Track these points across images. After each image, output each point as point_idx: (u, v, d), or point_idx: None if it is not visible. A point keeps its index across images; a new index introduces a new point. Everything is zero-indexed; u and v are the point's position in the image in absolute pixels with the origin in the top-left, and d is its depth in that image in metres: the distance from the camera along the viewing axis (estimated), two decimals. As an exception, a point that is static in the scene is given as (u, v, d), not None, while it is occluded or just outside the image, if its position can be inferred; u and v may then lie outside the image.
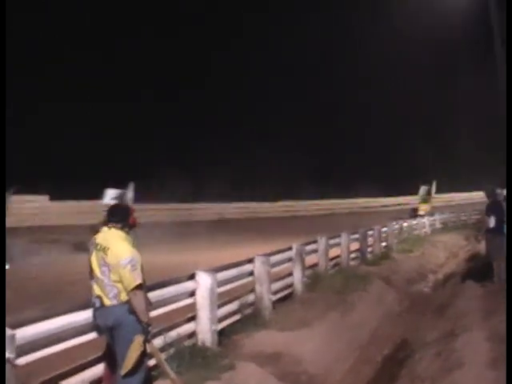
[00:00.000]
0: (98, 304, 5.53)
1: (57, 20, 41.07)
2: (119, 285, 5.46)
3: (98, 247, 5.58)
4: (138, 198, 21.42)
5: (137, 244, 5.80)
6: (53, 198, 32.28)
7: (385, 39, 47.89)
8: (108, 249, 5.52)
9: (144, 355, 5.50)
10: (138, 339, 5.37)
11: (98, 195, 29.06)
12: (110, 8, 43.98)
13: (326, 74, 50.03)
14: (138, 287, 5.42)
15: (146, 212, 30.12)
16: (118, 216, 5.74)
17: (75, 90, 40.31)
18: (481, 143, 46.17)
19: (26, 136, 34.81)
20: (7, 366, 4.56)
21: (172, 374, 5.77)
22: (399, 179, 45.62)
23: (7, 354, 4.53)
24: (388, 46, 47.70)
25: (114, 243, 5.55)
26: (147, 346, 5.49)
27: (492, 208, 13.28)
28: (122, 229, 5.68)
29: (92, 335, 5.81)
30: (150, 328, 5.47)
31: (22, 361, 4.93)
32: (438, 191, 40.74)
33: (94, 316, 5.61)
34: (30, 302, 10.42)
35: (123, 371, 5.39)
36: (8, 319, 4.93)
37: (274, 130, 46.07)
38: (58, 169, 35.91)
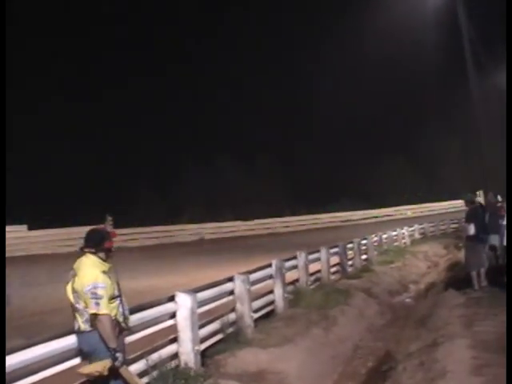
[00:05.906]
0: (76, 327, 5.56)
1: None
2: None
3: (72, 273, 5.58)
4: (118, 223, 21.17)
5: (115, 270, 5.75)
6: (31, 227, 31.95)
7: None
8: (76, 275, 5.54)
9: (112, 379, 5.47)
10: (105, 363, 5.36)
11: (77, 222, 28.93)
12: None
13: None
14: (102, 314, 5.41)
15: (125, 236, 30.22)
16: (92, 241, 5.70)
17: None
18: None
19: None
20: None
21: None
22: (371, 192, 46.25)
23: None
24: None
25: (82, 269, 5.55)
26: (121, 370, 5.45)
27: (472, 215, 13.36)
28: (95, 254, 5.64)
29: (72, 362, 5.75)
30: (117, 354, 5.42)
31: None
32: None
33: (78, 340, 5.61)
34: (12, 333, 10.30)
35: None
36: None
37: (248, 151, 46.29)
38: (32, 197, 35.61)
